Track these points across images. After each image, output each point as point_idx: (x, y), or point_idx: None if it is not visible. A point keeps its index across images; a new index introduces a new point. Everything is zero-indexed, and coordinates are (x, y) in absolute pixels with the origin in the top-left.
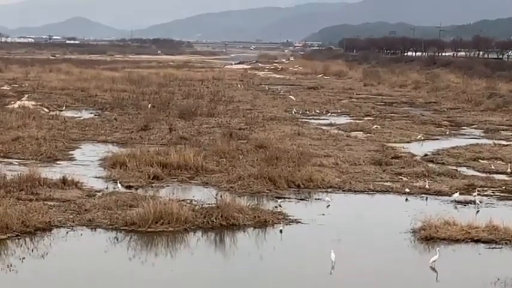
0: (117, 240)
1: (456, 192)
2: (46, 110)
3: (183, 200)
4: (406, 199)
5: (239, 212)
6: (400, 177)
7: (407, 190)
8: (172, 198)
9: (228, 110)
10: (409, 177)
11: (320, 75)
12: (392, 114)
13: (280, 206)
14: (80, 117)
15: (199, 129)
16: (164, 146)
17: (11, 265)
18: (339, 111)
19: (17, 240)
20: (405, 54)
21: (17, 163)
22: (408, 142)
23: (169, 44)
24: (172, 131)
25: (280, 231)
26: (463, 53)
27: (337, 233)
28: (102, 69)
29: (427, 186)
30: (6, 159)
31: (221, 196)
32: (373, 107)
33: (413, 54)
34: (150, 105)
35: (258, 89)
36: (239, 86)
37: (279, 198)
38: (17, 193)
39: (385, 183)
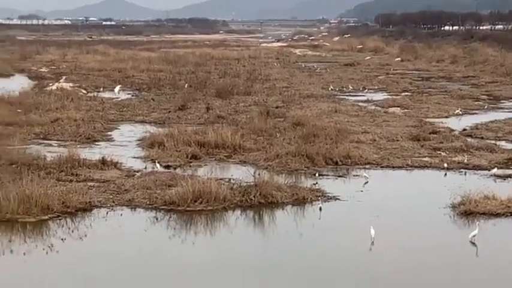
0: (157, 219)
1: (495, 166)
2: (84, 91)
3: (221, 179)
4: (445, 174)
5: (277, 190)
6: (439, 152)
7: (445, 165)
8: (210, 177)
9: (265, 88)
10: (447, 152)
11: (357, 52)
12: (429, 89)
13: (316, 183)
14: (117, 98)
15: (236, 108)
16: (201, 125)
17: (52, 245)
18: (376, 87)
19: (57, 220)
20: (442, 28)
21: (56, 144)
22: (446, 117)
23: (205, 24)
24: (210, 110)
25: (320, 208)
26: (500, 26)
27: (376, 209)
28: (139, 49)
29: (465, 160)
30: (45, 141)
31: (259, 174)
32: (410, 82)
33: (450, 28)
34: (186, 84)
35: (294, 66)
36: (275, 64)
37: (317, 175)
38: (57, 174)
39: (424, 159)
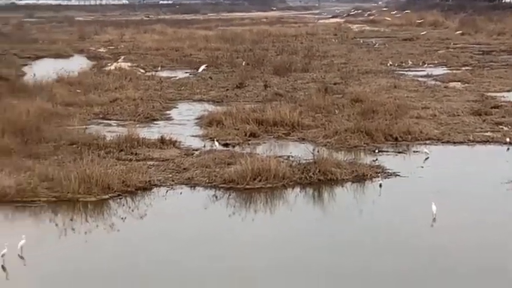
0: (216, 197)
1: None
2: (142, 70)
3: (280, 156)
4: (508, 149)
5: (337, 167)
6: (501, 126)
7: (508, 140)
8: (269, 155)
9: (323, 65)
10: (510, 127)
11: (416, 26)
12: (491, 63)
13: (376, 159)
14: (175, 77)
15: (294, 85)
16: (259, 103)
17: (112, 225)
18: (435, 62)
19: (118, 200)
20: (503, 1)
21: (115, 124)
22: (508, 91)
23: (262, 1)
24: (267, 87)
25: (380, 185)
26: None
27: (437, 185)
28: (196, 28)
29: None
30: (105, 121)
31: (318, 151)
32: (470, 56)
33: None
34: (244, 62)
35: (352, 42)
36: (333, 40)
37: (377, 151)
38: (116, 153)
39: (485, 134)
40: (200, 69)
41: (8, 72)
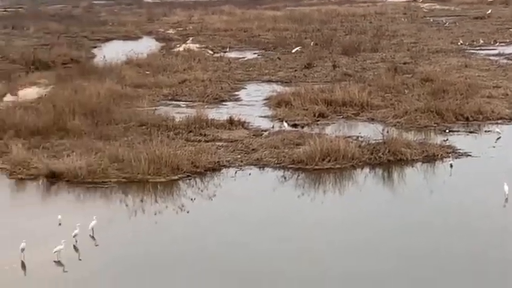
0: (285, 178)
1: None
2: (210, 52)
3: (349, 137)
4: None
5: (406, 147)
6: None
7: None
8: (338, 135)
9: (392, 45)
10: None
11: (487, 4)
12: None
13: (447, 139)
14: (243, 58)
15: (363, 65)
16: (328, 83)
17: (182, 206)
18: (507, 40)
19: (187, 180)
20: None
21: (184, 105)
22: None
23: None
24: (336, 67)
25: (451, 165)
26: None
27: (510, 165)
28: (264, 9)
29: None
30: (174, 102)
31: (388, 131)
32: None
33: None
34: (312, 42)
35: (421, 21)
36: (402, 19)
37: (447, 131)
38: (185, 135)
39: None
40: (293, 51)
41: (78, 55)
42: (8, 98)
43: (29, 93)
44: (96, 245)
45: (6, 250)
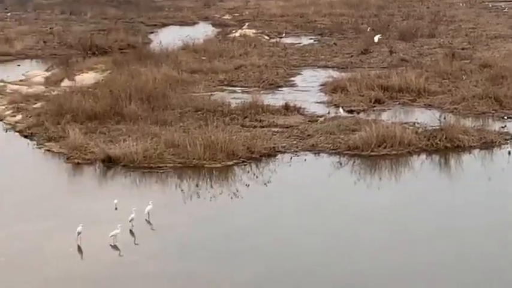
0: (341, 164)
1: None
2: (266, 37)
3: (405, 123)
4: None
5: (464, 134)
6: None
7: None
8: (394, 121)
9: (450, 30)
10: None
11: None
12: None
13: (505, 126)
14: (299, 43)
15: (420, 51)
16: (385, 69)
17: (237, 191)
18: None
19: (242, 166)
20: None
21: (240, 91)
22: None
23: None
24: (393, 53)
25: (509, 152)
26: None
27: None
28: None
29: None
30: (229, 88)
31: (445, 118)
32: None
33: None
34: (369, 28)
35: (480, 6)
36: (460, 4)
37: (506, 118)
38: (241, 120)
39: None
40: (376, 39)
41: (135, 40)
42: (66, 83)
43: (86, 78)
44: (152, 230)
45: (63, 234)
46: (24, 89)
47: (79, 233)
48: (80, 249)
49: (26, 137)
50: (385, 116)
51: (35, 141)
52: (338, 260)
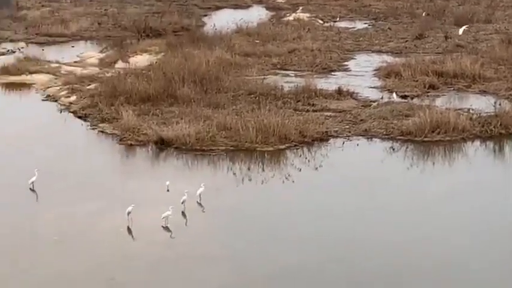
0: (393, 149)
1: None
2: (320, 21)
3: (459, 109)
4: None
5: None
6: None
7: None
8: (448, 107)
9: (506, 16)
10: None
11: None
12: None
13: None
14: (353, 27)
15: (475, 36)
16: (439, 55)
17: (288, 175)
18: None
19: (294, 150)
20: None
21: (293, 75)
22: None
23: None
24: (448, 38)
25: None
26: None
27: None
28: None
29: None
30: (283, 71)
31: (500, 104)
32: None
33: None
34: (424, 13)
35: None
36: None
37: None
38: (293, 104)
39: None
40: (460, 31)
41: (189, 23)
42: (120, 64)
43: (140, 60)
44: (204, 212)
45: (115, 214)
46: (78, 70)
47: (129, 213)
48: (131, 229)
49: (80, 118)
50: (439, 102)
51: (88, 122)
52: (392, 240)
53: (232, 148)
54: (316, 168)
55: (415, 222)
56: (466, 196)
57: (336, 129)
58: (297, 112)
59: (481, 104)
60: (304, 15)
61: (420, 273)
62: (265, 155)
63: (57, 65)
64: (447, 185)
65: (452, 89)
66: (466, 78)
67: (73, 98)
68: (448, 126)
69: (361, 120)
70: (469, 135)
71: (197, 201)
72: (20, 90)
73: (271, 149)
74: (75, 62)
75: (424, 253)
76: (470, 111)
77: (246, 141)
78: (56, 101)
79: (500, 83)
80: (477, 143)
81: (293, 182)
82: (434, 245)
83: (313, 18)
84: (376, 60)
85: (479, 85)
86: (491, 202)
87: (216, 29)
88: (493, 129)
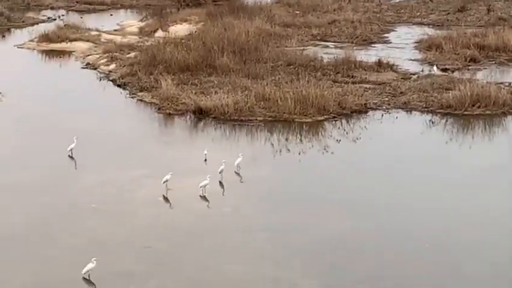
0: (433, 123)
1: None
2: None
3: (500, 83)
4: None
5: None
6: None
7: None
8: (489, 81)
9: None
10: None
11: None
12: None
13: None
14: None
15: None
16: (481, 28)
17: (327, 146)
18: None
19: (333, 122)
20: None
21: (333, 46)
22: None
23: None
24: (491, 11)
25: None
26: None
27: None
28: None
29: None
30: (322, 43)
31: None
32: None
33: None
34: None
35: None
36: None
37: None
38: (333, 76)
39: None
40: None
41: None
42: (159, 33)
43: (180, 29)
44: (241, 182)
45: (153, 183)
46: (118, 39)
47: (166, 181)
48: (168, 198)
49: (119, 86)
50: (480, 76)
51: (127, 91)
52: (425, 219)
53: (270, 119)
54: (355, 140)
55: (453, 195)
56: (505, 171)
57: (375, 101)
58: (336, 84)
59: None
60: None
61: (462, 242)
62: (304, 126)
63: (97, 33)
64: (486, 159)
65: (493, 62)
66: (508, 52)
67: (112, 66)
68: (489, 100)
69: (401, 92)
70: (509, 109)
71: (235, 171)
72: (60, 57)
73: (309, 120)
74: (114, 30)
75: (463, 224)
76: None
77: (285, 112)
78: (95, 68)
79: None
80: None
81: (332, 153)
82: (472, 217)
83: None
84: (417, 32)
85: None
86: None
87: None
88: None
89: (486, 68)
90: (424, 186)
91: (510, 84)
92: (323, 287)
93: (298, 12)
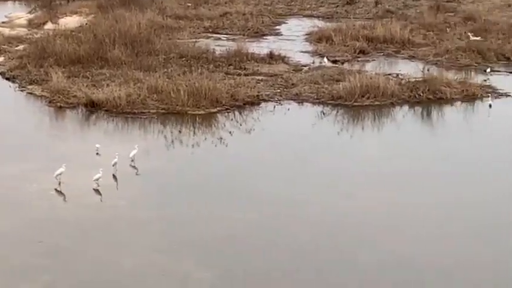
0: (324, 114)
1: None
2: None
3: (389, 74)
4: None
5: (446, 86)
6: None
7: None
8: (378, 72)
9: None
10: None
11: None
12: None
13: (487, 79)
14: None
15: (405, 2)
16: (370, 20)
17: (221, 138)
18: None
19: (226, 113)
20: None
21: (225, 38)
22: None
23: None
24: (378, 4)
25: (490, 105)
26: None
27: None
28: None
29: None
30: (215, 35)
31: (428, 70)
32: None
33: None
34: None
35: None
36: None
37: (488, 71)
38: (225, 68)
39: None
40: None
41: None
42: (49, 26)
43: (70, 21)
44: (136, 175)
45: (44, 177)
46: (6, 31)
47: (58, 175)
48: (61, 192)
49: (7, 79)
50: (369, 67)
51: (17, 84)
52: (324, 201)
53: (163, 111)
54: (248, 132)
55: (345, 183)
56: (394, 158)
57: (268, 93)
58: (229, 76)
59: (409, 69)
60: None
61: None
62: (197, 118)
63: None
64: (376, 149)
65: (382, 54)
66: (396, 44)
67: (1, 59)
68: (378, 91)
69: (292, 84)
70: (397, 100)
71: (130, 164)
72: None
73: (202, 112)
74: (2, 22)
75: (355, 212)
76: (399, 76)
77: (177, 105)
78: None
79: (429, 48)
80: (406, 107)
81: (226, 145)
82: (365, 204)
83: None
84: (308, 24)
85: (408, 51)
86: (418, 164)
87: None
88: (421, 94)
89: (375, 60)
90: (318, 176)
91: (398, 75)
92: (215, 279)
93: (189, 4)
